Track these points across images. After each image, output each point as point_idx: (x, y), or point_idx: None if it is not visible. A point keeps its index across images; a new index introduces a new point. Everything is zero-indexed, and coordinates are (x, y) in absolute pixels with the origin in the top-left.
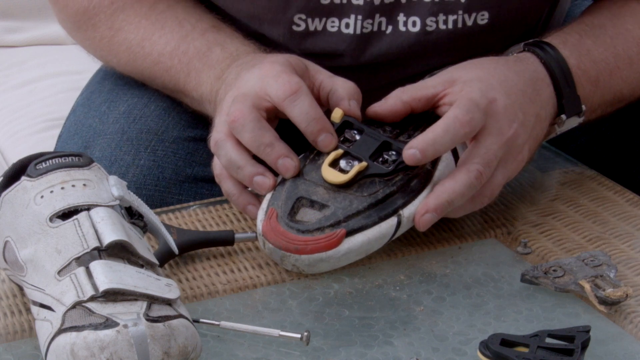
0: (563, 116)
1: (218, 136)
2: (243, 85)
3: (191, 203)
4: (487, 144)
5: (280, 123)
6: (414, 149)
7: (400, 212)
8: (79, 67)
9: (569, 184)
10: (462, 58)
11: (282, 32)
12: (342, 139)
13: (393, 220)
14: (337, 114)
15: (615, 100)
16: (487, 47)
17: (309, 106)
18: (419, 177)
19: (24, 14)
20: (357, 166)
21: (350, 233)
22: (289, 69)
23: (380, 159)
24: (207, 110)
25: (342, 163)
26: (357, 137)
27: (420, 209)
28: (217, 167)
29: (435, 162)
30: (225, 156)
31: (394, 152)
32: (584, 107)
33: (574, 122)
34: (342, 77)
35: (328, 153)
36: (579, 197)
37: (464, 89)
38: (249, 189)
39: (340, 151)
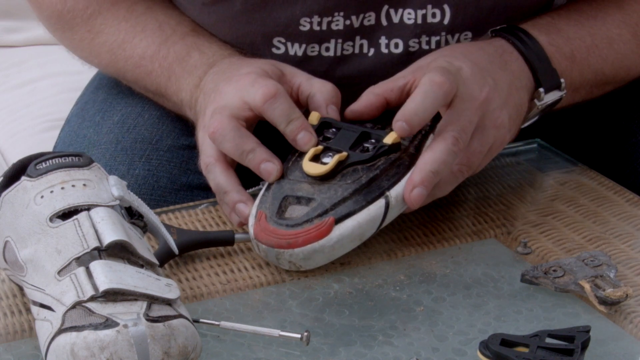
0: (541, 89)
1: (208, 160)
2: (221, 98)
3: (191, 203)
4: (459, 111)
5: (261, 131)
6: (400, 121)
7: (387, 193)
8: (79, 67)
9: (569, 184)
10: None
11: (262, 55)
12: (321, 137)
13: (381, 202)
14: (314, 117)
15: (598, 80)
16: None
17: (287, 107)
18: (403, 159)
19: (24, 14)
20: (337, 156)
21: (340, 220)
22: (263, 75)
23: (361, 148)
24: (188, 115)
25: (323, 157)
26: (337, 134)
27: (407, 187)
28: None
29: (419, 147)
30: (213, 180)
31: (373, 140)
32: (562, 80)
33: (554, 95)
34: None
35: (308, 150)
36: (579, 197)
37: (431, 64)
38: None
39: (320, 147)
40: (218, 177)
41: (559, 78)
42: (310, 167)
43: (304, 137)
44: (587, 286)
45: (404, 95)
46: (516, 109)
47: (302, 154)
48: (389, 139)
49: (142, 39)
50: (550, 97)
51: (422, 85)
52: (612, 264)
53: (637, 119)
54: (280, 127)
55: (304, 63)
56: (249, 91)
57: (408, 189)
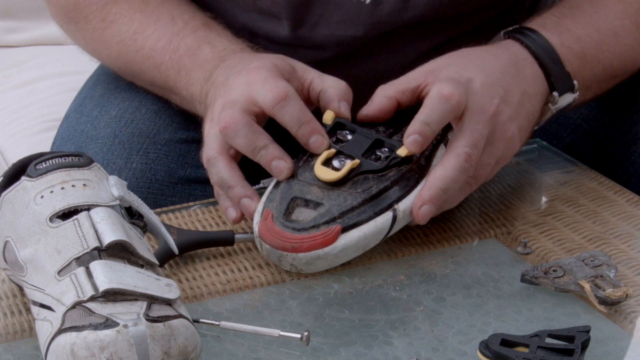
0: (555, 93)
1: (210, 153)
2: (230, 92)
3: (191, 203)
4: (470, 125)
5: (272, 127)
6: (412, 135)
7: (396, 206)
8: (79, 67)
9: (569, 184)
10: (445, 38)
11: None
12: (334, 139)
13: (388, 215)
14: (328, 116)
15: (607, 75)
16: (468, 26)
17: (298, 110)
18: (413, 172)
19: (24, 14)
20: (349, 163)
21: (346, 229)
22: (275, 73)
23: (373, 156)
24: (198, 110)
25: (335, 162)
26: (350, 137)
27: (416, 203)
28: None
29: (429, 158)
30: (217, 174)
31: (386, 149)
32: (575, 82)
33: (568, 98)
34: (331, 68)
35: (320, 153)
36: (579, 197)
37: (441, 73)
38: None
39: (332, 151)
40: (222, 170)
41: (572, 80)
42: (322, 172)
43: (316, 141)
44: (587, 286)
45: (416, 97)
46: (527, 119)
47: (313, 155)
48: (403, 151)
49: (154, 31)
50: (564, 100)
51: (430, 98)
52: (612, 264)
53: (630, 119)
54: (291, 130)
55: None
56: (259, 91)
57: (417, 206)
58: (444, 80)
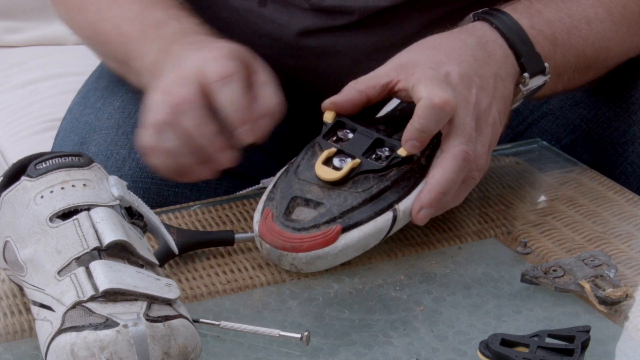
0: (526, 74)
1: (160, 118)
2: (183, 64)
3: (191, 203)
4: (460, 120)
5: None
6: (409, 141)
7: (396, 206)
8: (79, 68)
9: (569, 184)
10: (450, 8)
11: None
12: (335, 138)
13: (389, 215)
14: (328, 115)
15: (580, 63)
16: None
17: (239, 93)
18: (414, 171)
19: (24, 14)
20: (350, 163)
21: (346, 229)
22: (233, 55)
23: (374, 156)
24: (145, 83)
25: (336, 161)
26: (350, 136)
27: (415, 206)
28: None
29: (430, 158)
30: (193, 120)
31: (387, 149)
32: (546, 64)
33: (539, 80)
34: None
35: (321, 152)
36: (579, 197)
37: (416, 72)
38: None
39: (333, 150)
40: (198, 120)
41: (543, 62)
42: (323, 172)
43: (245, 131)
44: (587, 286)
45: (386, 93)
46: (503, 101)
47: (314, 154)
48: (404, 151)
49: (130, 2)
50: (535, 82)
51: (424, 108)
52: (612, 264)
53: (628, 120)
54: (226, 110)
55: None
56: (210, 66)
57: (416, 208)
58: (428, 82)
